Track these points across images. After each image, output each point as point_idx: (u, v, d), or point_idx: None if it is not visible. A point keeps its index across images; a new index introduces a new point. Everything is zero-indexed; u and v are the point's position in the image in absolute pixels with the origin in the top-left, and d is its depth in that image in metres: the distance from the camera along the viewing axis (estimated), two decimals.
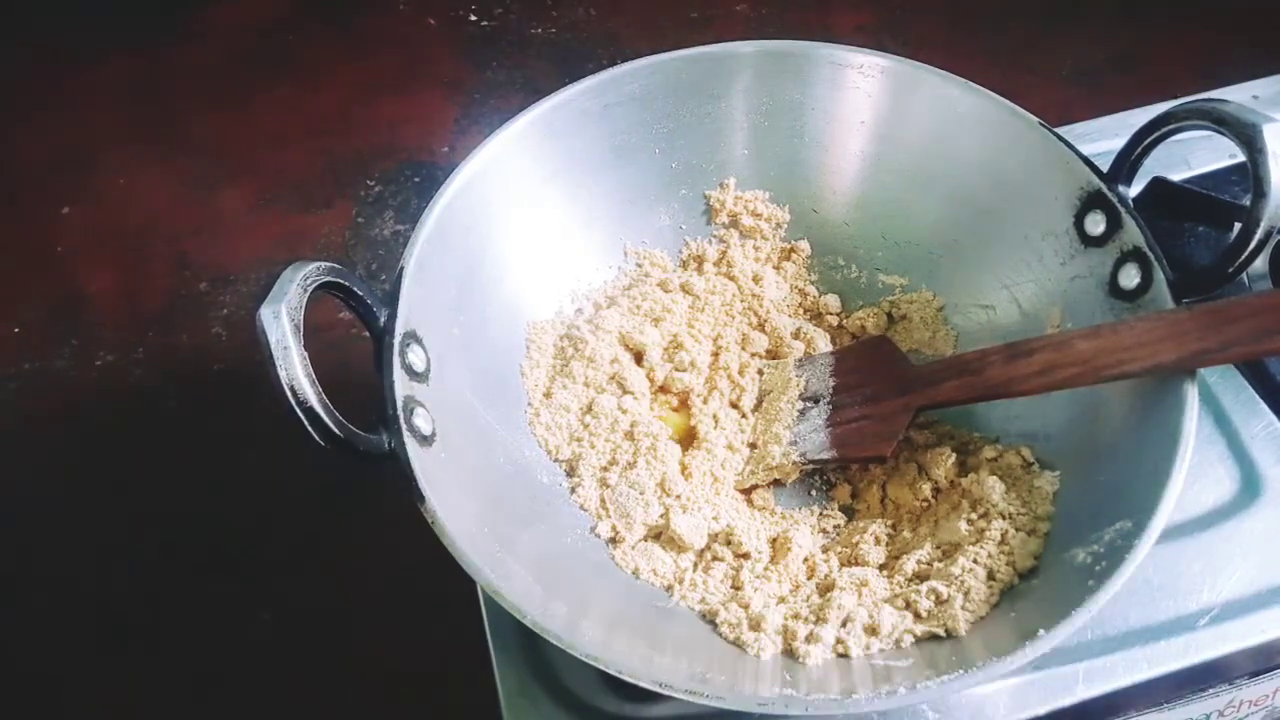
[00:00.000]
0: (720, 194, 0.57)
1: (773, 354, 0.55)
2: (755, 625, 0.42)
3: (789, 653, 0.40)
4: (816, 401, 0.49)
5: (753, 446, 0.51)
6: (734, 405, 0.53)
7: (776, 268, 0.58)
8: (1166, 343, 0.39)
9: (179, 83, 0.96)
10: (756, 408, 0.53)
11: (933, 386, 0.46)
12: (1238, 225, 0.42)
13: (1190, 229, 0.55)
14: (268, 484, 0.67)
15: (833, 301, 0.57)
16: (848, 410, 0.48)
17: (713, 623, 0.43)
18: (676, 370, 0.53)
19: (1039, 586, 0.40)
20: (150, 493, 0.68)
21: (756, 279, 0.57)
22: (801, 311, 0.57)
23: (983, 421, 0.50)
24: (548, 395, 0.51)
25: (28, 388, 0.74)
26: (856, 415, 0.47)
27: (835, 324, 0.57)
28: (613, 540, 0.47)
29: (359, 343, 0.71)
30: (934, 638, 0.40)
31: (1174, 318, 0.40)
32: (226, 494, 0.68)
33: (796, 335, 0.55)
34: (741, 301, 0.56)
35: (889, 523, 0.48)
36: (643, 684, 0.34)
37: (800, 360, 0.53)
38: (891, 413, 0.46)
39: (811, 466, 0.49)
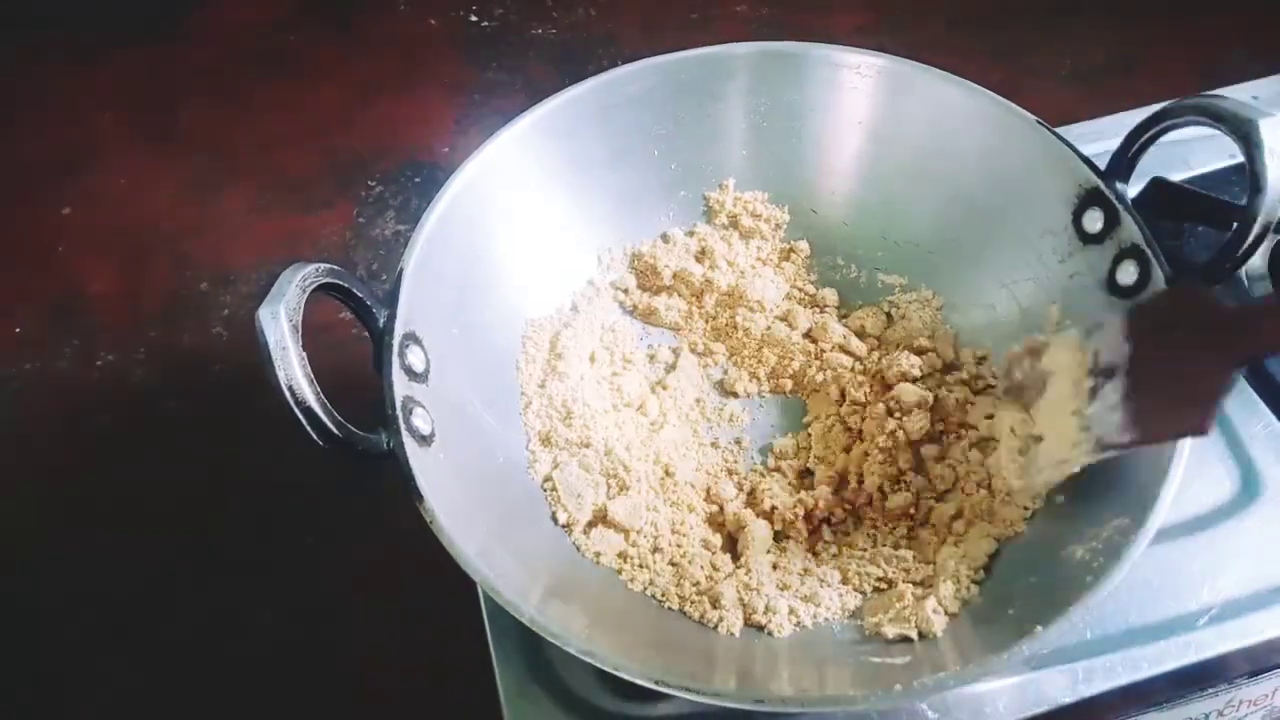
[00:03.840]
0: (719, 195, 0.57)
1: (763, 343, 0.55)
2: (714, 602, 0.43)
3: (756, 626, 0.43)
4: (1111, 375, 0.40)
5: (1038, 439, 0.44)
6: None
7: (776, 268, 0.58)
8: None
9: (179, 83, 0.96)
10: (1026, 393, 0.45)
11: (1255, 332, 0.36)
12: (1236, 224, 0.42)
13: (1190, 229, 0.55)
14: (268, 484, 0.67)
15: (830, 295, 0.57)
16: (1149, 379, 0.39)
17: (682, 610, 0.44)
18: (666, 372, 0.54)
19: (1037, 583, 0.40)
20: (150, 492, 0.68)
21: (753, 273, 0.57)
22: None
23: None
24: (541, 386, 0.51)
25: (28, 388, 0.74)
26: (1160, 383, 0.39)
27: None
28: (567, 526, 0.47)
29: (359, 343, 0.71)
30: (926, 636, 0.41)
31: None
32: (227, 494, 0.68)
33: (807, 334, 0.55)
34: (737, 299, 0.56)
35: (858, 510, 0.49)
36: (640, 681, 0.34)
37: (1089, 328, 0.43)
38: (1204, 374, 0.36)
39: (1110, 453, 0.40)
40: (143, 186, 0.87)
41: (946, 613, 0.42)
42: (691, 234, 0.58)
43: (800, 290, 0.57)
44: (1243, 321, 0.36)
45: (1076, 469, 0.41)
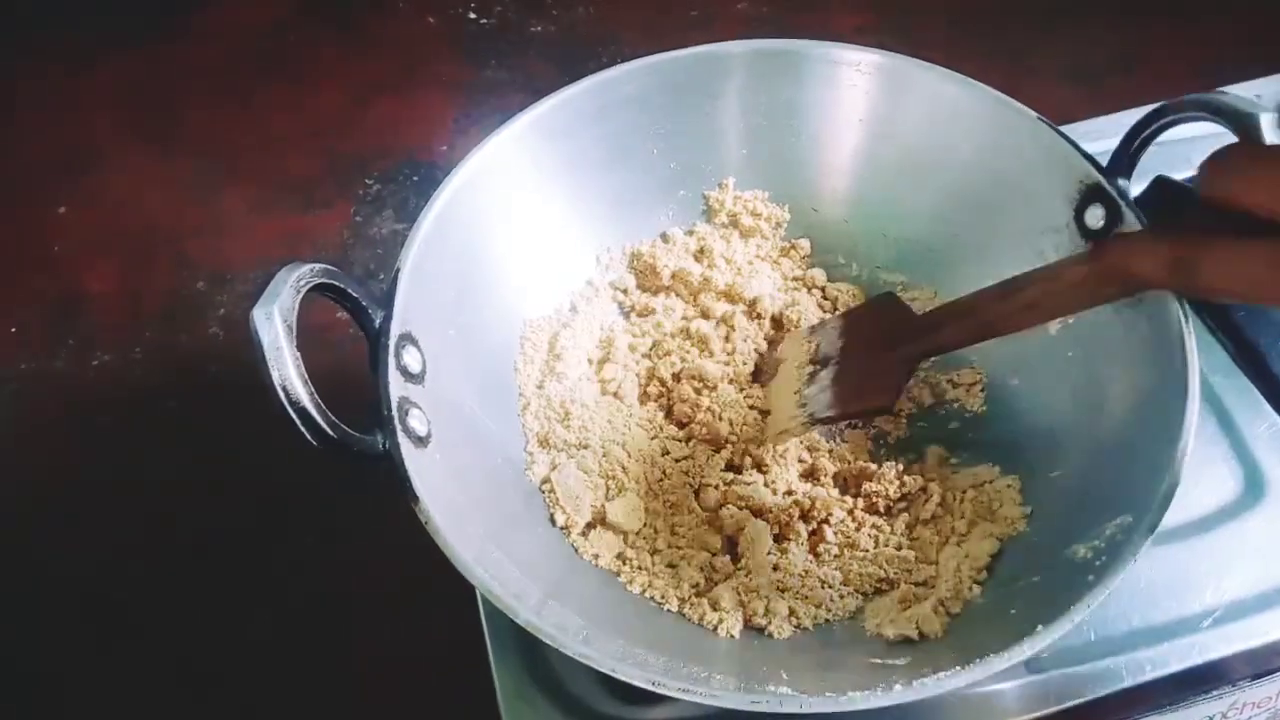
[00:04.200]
0: (719, 194, 0.57)
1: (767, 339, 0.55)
2: (713, 604, 0.43)
3: (755, 628, 0.42)
4: (825, 364, 0.49)
5: (765, 413, 0.51)
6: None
7: (774, 264, 0.58)
8: (1143, 261, 0.38)
9: (179, 83, 0.96)
10: (764, 376, 0.52)
11: (930, 333, 0.45)
12: None
13: None
14: (267, 484, 0.67)
15: (819, 275, 0.57)
16: (851, 368, 0.48)
17: (681, 612, 0.43)
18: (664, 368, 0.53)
19: (1039, 583, 0.40)
20: (149, 493, 0.68)
21: (748, 264, 0.57)
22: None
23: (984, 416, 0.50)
24: (540, 387, 0.51)
25: (26, 388, 0.74)
26: (858, 371, 0.47)
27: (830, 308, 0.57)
28: (565, 528, 0.46)
29: (357, 342, 0.71)
30: (927, 636, 0.40)
31: (1144, 242, 0.39)
32: (226, 494, 0.67)
33: (782, 321, 0.55)
34: (731, 297, 0.56)
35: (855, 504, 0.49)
36: (636, 682, 0.34)
37: (813, 325, 0.53)
38: (891, 365, 0.46)
39: (819, 426, 0.50)
40: (142, 186, 0.87)
41: (948, 613, 0.42)
42: (691, 233, 0.58)
43: (792, 279, 0.57)
44: (921, 326, 0.46)
45: (795, 437, 0.50)
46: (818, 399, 0.48)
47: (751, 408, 0.51)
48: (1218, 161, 0.33)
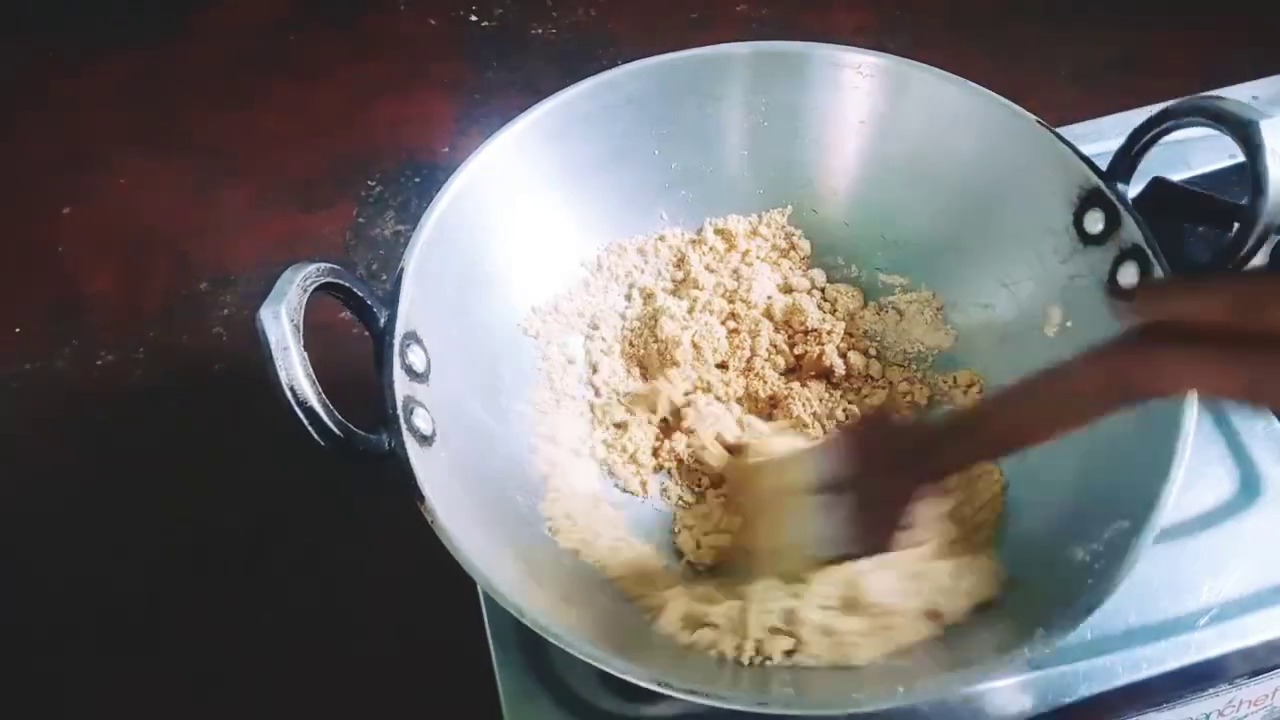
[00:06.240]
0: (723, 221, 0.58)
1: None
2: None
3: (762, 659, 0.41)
4: (827, 491, 0.43)
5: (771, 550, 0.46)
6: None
7: (774, 265, 0.58)
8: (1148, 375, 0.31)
9: (179, 83, 0.96)
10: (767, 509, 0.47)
11: (932, 459, 0.40)
12: (1238, 225, 0.42)
13: (1190, 229, 0.55)
14: (268, 484, 0.67)
15: (819, 276, 0.57)
16: (852, 498, 0.43)
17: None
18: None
19: (1039, 586, 0.40)
20: (150, 493, 0.68)
21: (748, 266, 0.57)
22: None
23: None
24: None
25: (28, 388, 0.74)
26: (860, 503, 0.42)
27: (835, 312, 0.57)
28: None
29: (360, 342, 0.71)
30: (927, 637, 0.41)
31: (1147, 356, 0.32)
32: (227, 494, 0.68)
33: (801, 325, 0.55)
34: (730, 299, 0.56)
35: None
36: (643, 683, 0.34)
37: (811, 451, 0.46)
38: (890, 497, 0.41)
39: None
40: (143, 186, 0.87)
41: (946, 614, 0.42)
42: (691, 234, 0.58)
43: (790, 281, 0.57)
44: (921, 448, 0.40)
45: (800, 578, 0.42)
46: (823, 534, 0.42)
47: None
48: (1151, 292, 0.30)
